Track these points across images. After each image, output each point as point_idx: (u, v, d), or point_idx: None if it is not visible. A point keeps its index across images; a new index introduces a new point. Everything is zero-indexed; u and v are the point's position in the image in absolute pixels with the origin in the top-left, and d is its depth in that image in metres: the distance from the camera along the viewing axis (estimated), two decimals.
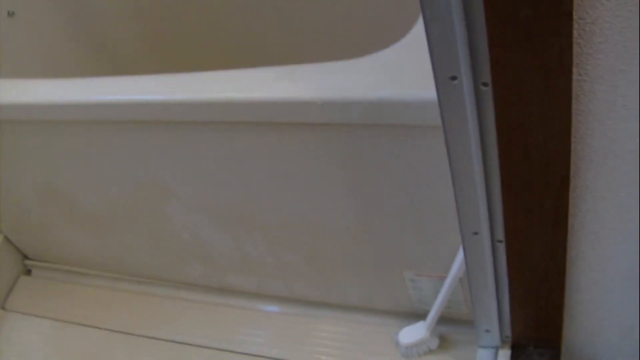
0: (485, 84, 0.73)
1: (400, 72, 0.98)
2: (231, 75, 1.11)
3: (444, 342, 1.34)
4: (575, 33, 0.69)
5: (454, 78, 0.75)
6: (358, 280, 1.36)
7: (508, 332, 1.15)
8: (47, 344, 1.62)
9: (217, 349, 1.48)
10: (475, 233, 0.93)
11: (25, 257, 1.81)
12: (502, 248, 0.95)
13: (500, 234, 0.92)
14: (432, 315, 1.26)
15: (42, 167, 1.43)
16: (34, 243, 1.75)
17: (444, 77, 0.75)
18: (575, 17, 0.68)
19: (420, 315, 1.32)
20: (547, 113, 0.75)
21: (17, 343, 1.64)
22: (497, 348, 1.19)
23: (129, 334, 1.57)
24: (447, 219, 1.09)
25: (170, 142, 1.21)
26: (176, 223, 1.40)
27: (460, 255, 1.11)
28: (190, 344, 1.50)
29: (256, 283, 1.49)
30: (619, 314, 1.11)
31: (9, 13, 1.62)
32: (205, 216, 1.35)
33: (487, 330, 1.16)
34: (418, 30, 1.04)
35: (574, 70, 0.72)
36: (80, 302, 1.68)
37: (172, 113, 1.13)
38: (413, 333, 1.32)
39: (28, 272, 1.81)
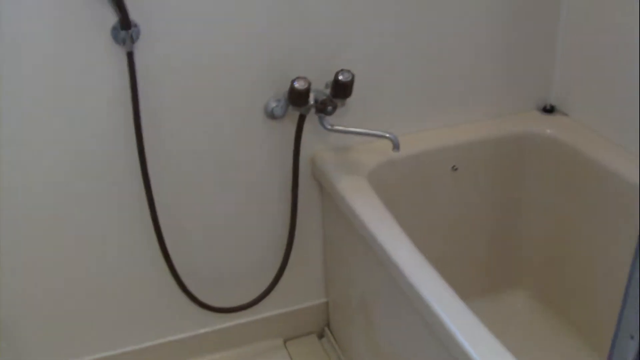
0: None
1: None
2: None
3: None
4: None
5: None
6: None
7: None
8: None
9: None
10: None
11: (328, 325, 2.07)
12: None
13: None
14: None
15: (370, 281, 1.62)
16: (343, 324, 1.97)
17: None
18: None
19: None
20: None
21: None
22: None
23: None
24: None
25: None
26: None
27: None
28: None
29: None
30: None
31: (453, 168, 1.94)
32: None
33: None
34: None
35: None
36: None
37: None
38: None
39: (320, 336, 2.09)
